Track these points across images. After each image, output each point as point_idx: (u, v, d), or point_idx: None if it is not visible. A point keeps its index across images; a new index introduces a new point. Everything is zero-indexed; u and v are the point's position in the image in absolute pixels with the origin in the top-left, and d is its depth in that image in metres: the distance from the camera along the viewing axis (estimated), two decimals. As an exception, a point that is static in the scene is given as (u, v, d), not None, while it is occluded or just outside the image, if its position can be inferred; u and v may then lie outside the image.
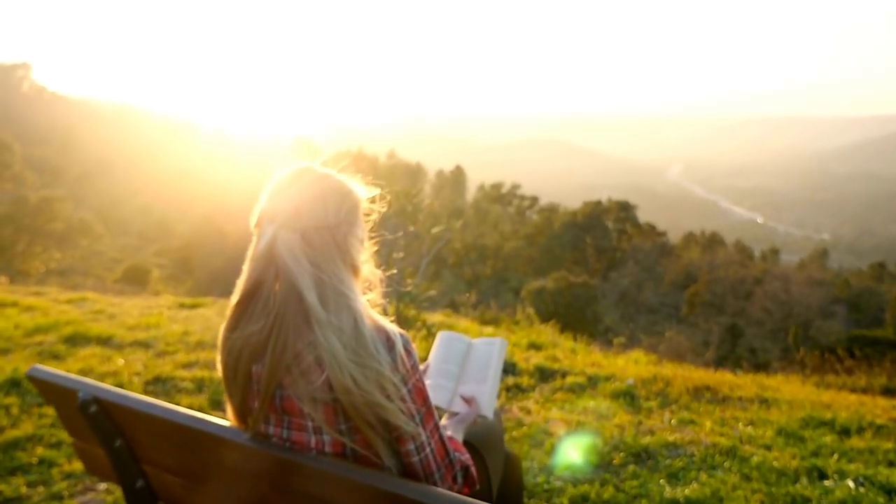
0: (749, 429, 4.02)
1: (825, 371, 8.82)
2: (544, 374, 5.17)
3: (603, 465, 3.50)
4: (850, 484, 3.17)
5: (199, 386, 4.52)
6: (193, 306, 7.85)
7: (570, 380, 4.99)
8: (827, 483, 3.21)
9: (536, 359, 5.59)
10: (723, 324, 33.01)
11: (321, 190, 1.47)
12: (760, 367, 13.78)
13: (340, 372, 1.35)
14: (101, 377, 4.60)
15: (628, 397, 4.63)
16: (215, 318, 6.87)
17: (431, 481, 1.49)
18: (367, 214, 1.59)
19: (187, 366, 4.98)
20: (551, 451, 3.62)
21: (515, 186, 65.35)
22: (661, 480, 3.27)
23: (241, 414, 1.51)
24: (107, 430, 1.69)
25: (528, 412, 4.34)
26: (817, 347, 16.89)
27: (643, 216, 56.96)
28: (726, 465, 3.44)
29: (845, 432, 3.99)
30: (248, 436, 1.49)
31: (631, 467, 3.42)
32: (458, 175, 71.36)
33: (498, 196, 63.98)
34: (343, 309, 1.40)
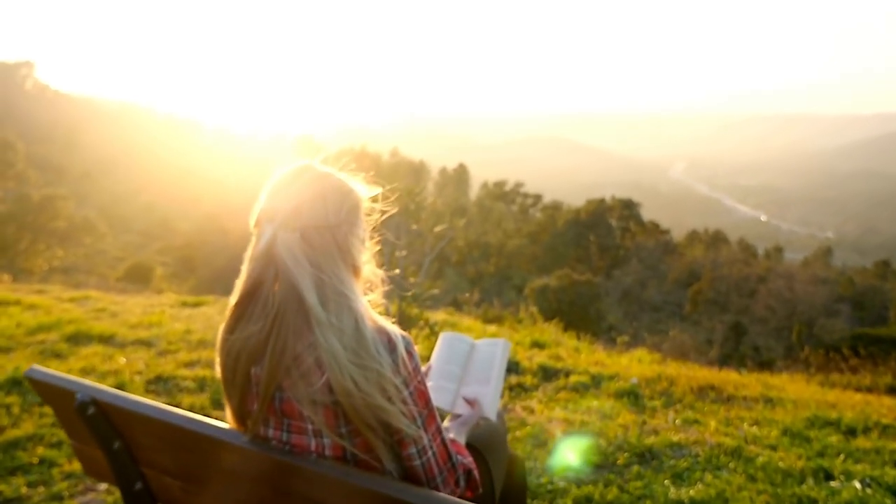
0: (754, 429, 3.99)
1: (830, 370, 8.79)
2: (548, 374, 5.15)
3: (607, 465, 3.47)
4: (857, 485, 3.15)
5: (201, 385, 4.50)
6: (195, 305, 7.84)
7: (573, 379, 4.96)
8: (833, 484, 3.18)
9: (540, 358, 5.57)
10: (726, 322, 32.94)
11: (321, 189, 1.45)
12: (764, 365, 13.76)
13: (341, 374, 1.33)
14: (103, 376, 4.59)
15: (632, 397, 4.60)
16: (217, 316, 6.86)
17: (433, 485, 1.46)
18: (369, 214, 1.56)
19: (189, 365, 4.97)
20: (553, 451, 3.60)
21: (519, 184, 65.27)
22: (666, 481, 3.24)
23: (240, 416, 1.49)
24: (105, 432, 1.67)
25: (532, 412, 4.31)
26: (821, 346, 16.86)
27: (646, 214, 56.84)
28: (731, 465, 3.42)
29: (851, 432, 3.97)
30: (246, 438, 1.47)
31: (635, 468, 3.40)
32: (461, 173, 71.31)
33: (501, 194, 63.90)
34: (344, 310, 1.37)
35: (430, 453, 1.45)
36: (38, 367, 1.81)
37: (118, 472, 1.72)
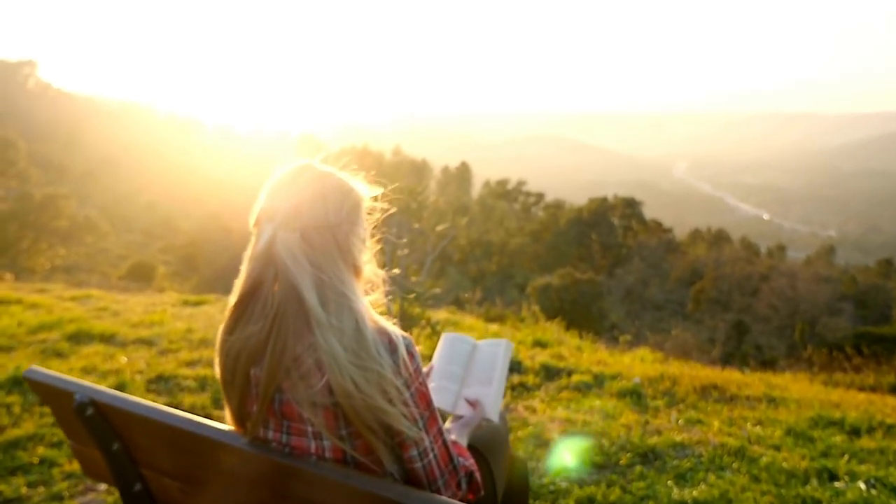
0: (757, 429, 3.97)
1: (833, 369, 8.77)
2: (550, 373, 5.13)
3: (609, 465, 3.46)
4: (862, 486, 3.12)
5: (202, 384, 4.49)
6: (197, 303, 7.84)
7: (575, 378, 4.95)
8: (838, 485, 3.16)
9: (542, 357, 5.55)
10: (729, 321, 32.91)
11: (321, 188, 1.43)
12: (767, 364, 13.72)
13: (341, 375, 1.31)
14: (104, 375, 4.58)
15: (635, 396, 4.59)
16: (218, 315, 6.85)
17: (434, 488, 1.45)
18: (370, 213, 1.54)
19: (190, 364, 4.96)
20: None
21: (521, 183, 65.24)
22: (669, 482, 3.23)
23: (240, 418, 1.47)
24: (103, 433, 1.66)
25: (534, 411, 4.30)
26: (824, 344, 16.81)
27: (649, 213, 56.78)
28: (735, 465, 3.40)
29: (855, 432, 3.95)
30: (246, 440, 1.45)
31: (638, 468, 3.38)
32: (463, 171, 71.25)
33: (503, 193, 63.87)
34: (344, 310, 1.36)
35: (431, 455, 1.43)
36: (36, 367, 1.79)
37: (117, 473, 1.71)
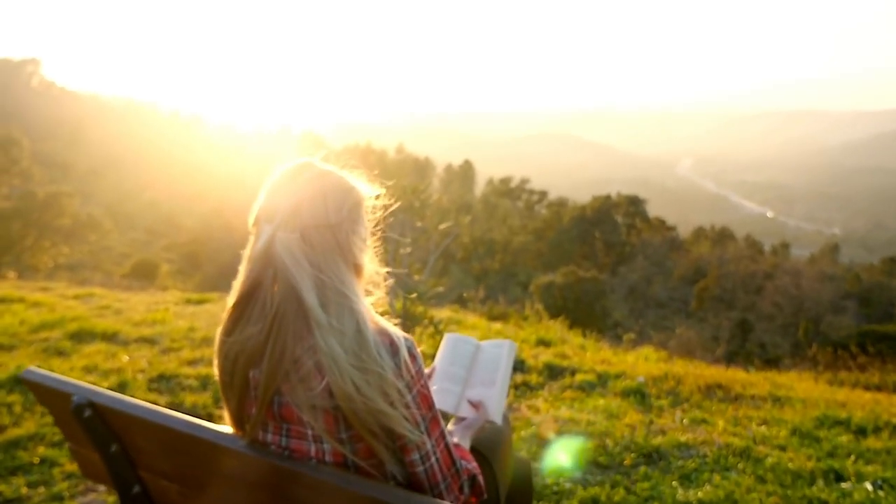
0: (763, 428, 3.94)
1: (838, 368, 8.73)
2: (553, 372, 5.11)
3: (613, 465, 3.43)
4: (868, 487, 3.10)
5: (204, 384, 4.47)
6: (199, 302, 7.83)
7: (579, 377, 4.92)
8: (844, 486, 3.14)
9: (545, 356, 5.52)
10: (733, 319, 32.84)
11: (321, 187, 1.40)
12: (771, 362, 13.69)
13: (341, 377, 1.29)
14: (106, 374, 4.56)
15: (639, 396, 4.56)
16: (221, 313, 6.81)
17: (437, 492, 1.42)
18: (371, 212, 1.52)
19: (192, 363, 4.94)
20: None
21: (524, 181, 65.24)
22: (674, 482, 3.20)
23: (239, 420, 1.45)
24: (102, 435, 1.64)
25: (537, 411, 4.27)
26: (828, 342, 16.76)
27: (653, 210, 56.70)
28: (740, 466, 3.37)
29: (861, 432, 3.92)
30: (245, 443, 1.43)
31: (642, 468, 3.36)
32: (466, 169, 71.24)
33: (507, 190, 63.88)
34: (344, 311, 1.33)
35: (433, 459, 1.40)
36: (34, 368, 1.77)
37: (115, 475, 1.69)
